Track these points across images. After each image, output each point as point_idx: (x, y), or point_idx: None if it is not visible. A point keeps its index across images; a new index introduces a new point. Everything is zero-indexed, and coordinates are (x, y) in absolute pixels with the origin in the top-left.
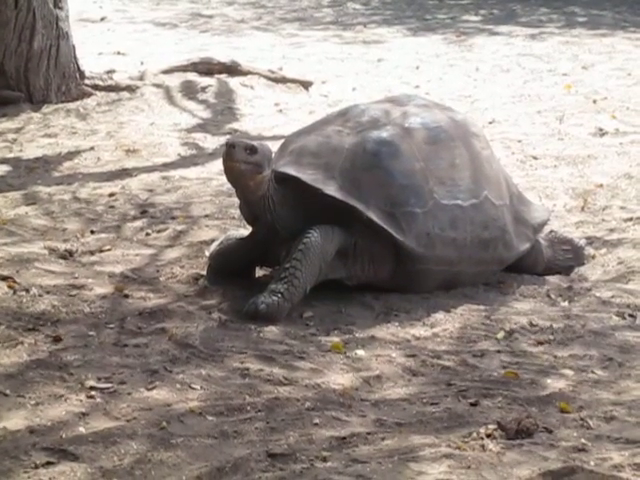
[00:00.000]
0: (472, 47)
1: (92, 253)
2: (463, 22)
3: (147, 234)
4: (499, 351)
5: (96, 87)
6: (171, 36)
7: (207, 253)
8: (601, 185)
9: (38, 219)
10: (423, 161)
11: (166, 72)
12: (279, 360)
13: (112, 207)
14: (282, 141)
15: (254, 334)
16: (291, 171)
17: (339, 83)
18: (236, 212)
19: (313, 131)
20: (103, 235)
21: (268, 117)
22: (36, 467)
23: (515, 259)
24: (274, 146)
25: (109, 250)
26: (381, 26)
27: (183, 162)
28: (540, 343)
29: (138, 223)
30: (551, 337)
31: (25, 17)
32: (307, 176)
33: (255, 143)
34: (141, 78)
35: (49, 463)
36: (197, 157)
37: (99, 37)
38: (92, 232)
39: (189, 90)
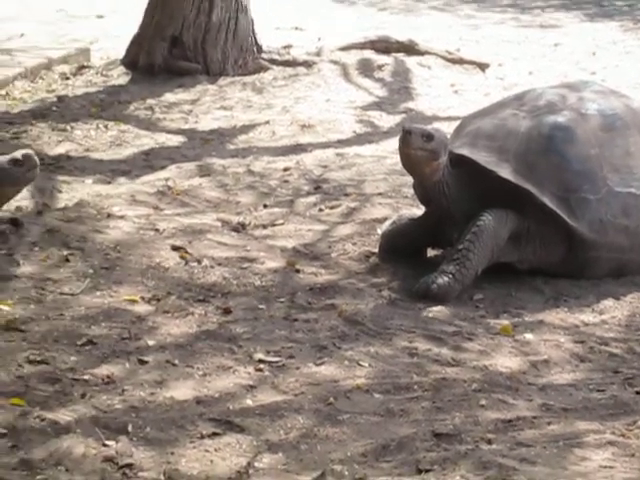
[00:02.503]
0: None
1: (264, 227)
2: None
3: (320, 210)
4: None
5: (273, 62)
6: (349, 13)
7: (379, 231)
8: None
9: (212, 191)
10: (598, 147)
11: (343, 49)
12: (447, 341)
13: (286, 182)
14: (457, 122)
15: (423, 314)
16: (466, 153)
17: (515, 66)
18: (409, 191)
19: (489, 114)
20: (276, 209)
21: (444, 98)
22: (202, 437)
23: None
24: (449, 127)
25: (282, 224)
26: (559, 11)
27: (358, 139)
28: None
29: (311, 199)
30: None
31: None
32: (482, 158)
33: (431, 130)
34: (318, 54)
35: (215, 434)
36: (372, 135)
37: (277, 11)
38: (265, 206)
39: (366, 68)
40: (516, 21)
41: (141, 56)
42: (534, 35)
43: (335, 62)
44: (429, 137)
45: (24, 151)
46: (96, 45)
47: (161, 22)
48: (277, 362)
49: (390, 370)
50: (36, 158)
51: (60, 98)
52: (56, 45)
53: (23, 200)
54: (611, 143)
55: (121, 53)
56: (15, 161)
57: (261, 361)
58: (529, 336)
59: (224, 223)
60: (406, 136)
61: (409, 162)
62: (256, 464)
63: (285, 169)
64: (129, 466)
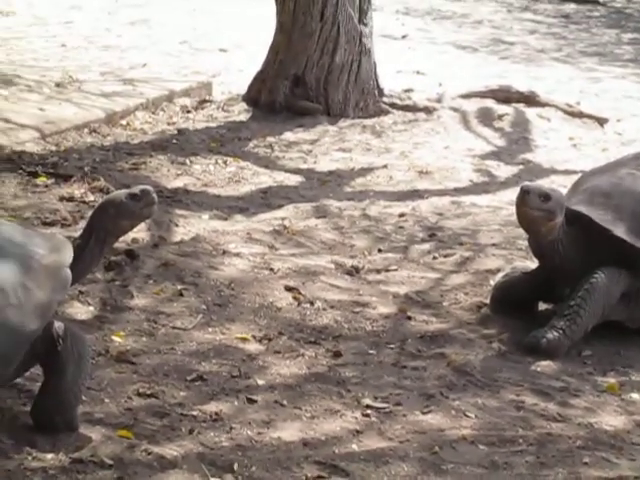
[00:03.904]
0: None
1: (378, 272)
2: None
3: (434, 257)
4: None
5: (393, 105)
6: (471, 60)
7: (492, 282)
8: None
9: (327, 233)
10: None
11: (464, 97)
12: (554, 396)
13: (401, 227)
14: (574, 176)
15: (532, 367)
16: (583, 210)
17: (634, 122)
18: (523, 243)
19: (607, 171)
20: (390, 255)
21: (561, 151)
22: None
23: None
24: (566, 181)
25: (395, 270)
26: None
27: (474, 188)
28: None
29: (425, 246)
30: None
31: (329, 30)
32: (598, 216)
33: (549, 190)
34: (439, 100)
35: (320, 477)
36: (489, 184)
37: (399, 55)
38: (379, 250)
39: (486, 117)
40: (637, 76)
41: (263, 93)
42: None
43: (455, 109)
44: (547, 197)
45: (143, 187)
46: (218, 79)
47: (285, 61)
48: (384, 408)
49: (496, 422)
50: (155, 195)
51: (180, 131)
52: (178, 77)
53: (140, 232)
54: None
55: (242, 88)
56: (133, 196)
57: (368, 406)
58: (635, 396)
59: (338, 266)
60: (524, 195)
61: (526, 221)
62: None
63: (401, 215)
64: None
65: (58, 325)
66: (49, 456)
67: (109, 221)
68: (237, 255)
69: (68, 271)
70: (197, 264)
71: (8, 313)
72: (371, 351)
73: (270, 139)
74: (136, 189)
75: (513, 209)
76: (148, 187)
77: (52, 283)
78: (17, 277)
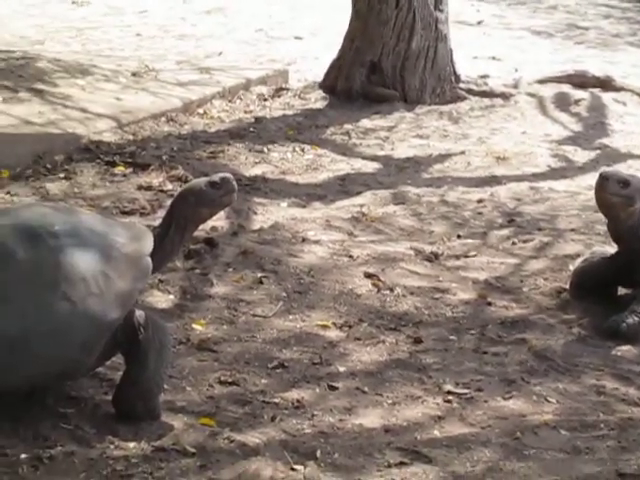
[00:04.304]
0: None
1: (457, 257)
2: None
3: (513, 243)
4: None
5: (470, 91)
6: (546, 45)
7: (571, 268)
8: None
9: (405, 219)
10: None
11: (540, 82)
12: (635, 380)
13: (480, 213)
14: None
15: (612, 352)
16: None
17: None
18: (602, 228)
19: None
20: (469, 240)
21: (638, 135)
22: (389, 466)
23: None
24: None
25: (474, 256)
26: None
27: (552, 174)
28: None
29: (504, 231)
30: None
31: (405, 17)
32: None
33: (628, 176)
34: (515, 86)
35: (402, 463)
36: (566, 170)
37: (474, 40)
38: (458, 237)
39: (562, 102)
40: None
41: (339, 81)
42: None
43: (532, 95)
44: (625, 183)
45: (223, 174)
46: (294, 67)
47: (361, 48)
48: (466, 394)
49: (577, 407)
50: (234, 183)
51: (257, 119)
52: (254, 65)
53: (218, 220)
54: None
55: (318, 75)
56: (213, 184)
57: (450, 392)
58: None
59: (417, 252)
60: (603, 181)
61: (605, 206)
62: None
63: (479, 201)
64: None
65: (139, 314)
66: (131, 444)
67: (189, 209)
68: (316, 242)
69: (149, 260)
70: (276, 252)
71: (90, 302)
72: (452, 337)
73: (347, 126)
74: (216, 177)
75: (591, 194)
76: (228, 175)
77: (133, 272)
78: (98, 266)
